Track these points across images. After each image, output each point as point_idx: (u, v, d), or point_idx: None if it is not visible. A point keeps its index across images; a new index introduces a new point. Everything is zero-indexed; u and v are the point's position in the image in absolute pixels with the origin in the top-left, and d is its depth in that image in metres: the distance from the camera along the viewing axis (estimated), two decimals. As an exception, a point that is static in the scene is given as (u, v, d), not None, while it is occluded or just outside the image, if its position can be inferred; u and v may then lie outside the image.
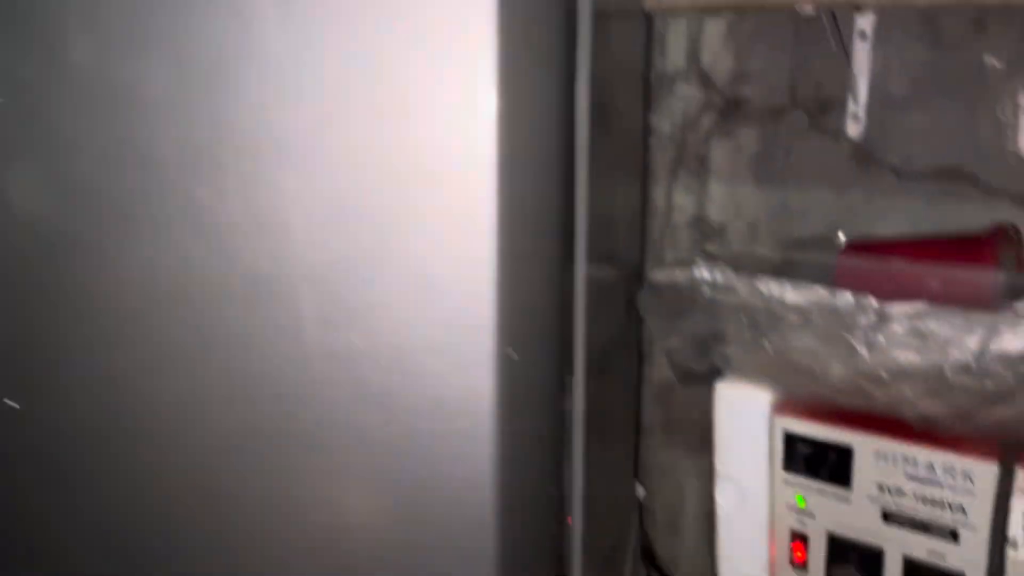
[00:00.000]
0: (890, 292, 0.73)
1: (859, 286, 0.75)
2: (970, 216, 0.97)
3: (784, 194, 1.09)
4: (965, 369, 0.68)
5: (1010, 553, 0.70)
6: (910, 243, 0.94)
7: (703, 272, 0.79)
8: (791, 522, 0.84)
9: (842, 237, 0.98)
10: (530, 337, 0.65)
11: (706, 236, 1.15)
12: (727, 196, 1.12)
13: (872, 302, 0.73)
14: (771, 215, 1.10)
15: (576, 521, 0.71)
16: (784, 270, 0.83)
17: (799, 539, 0.84)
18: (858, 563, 0.80)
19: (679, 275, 0.81)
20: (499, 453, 0.61)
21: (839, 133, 0.99)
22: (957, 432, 0.72)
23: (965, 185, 0.97)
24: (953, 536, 0.74)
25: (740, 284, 0.78)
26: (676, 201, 1.16)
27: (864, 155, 1.02)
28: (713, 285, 0.79)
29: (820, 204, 1.06)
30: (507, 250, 0.60)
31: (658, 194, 1.18)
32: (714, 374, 0.86)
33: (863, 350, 0.72)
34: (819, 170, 1.05)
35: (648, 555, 1.22)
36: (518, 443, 0.64)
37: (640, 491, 1.16)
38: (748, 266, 0.81)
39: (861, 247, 0.90)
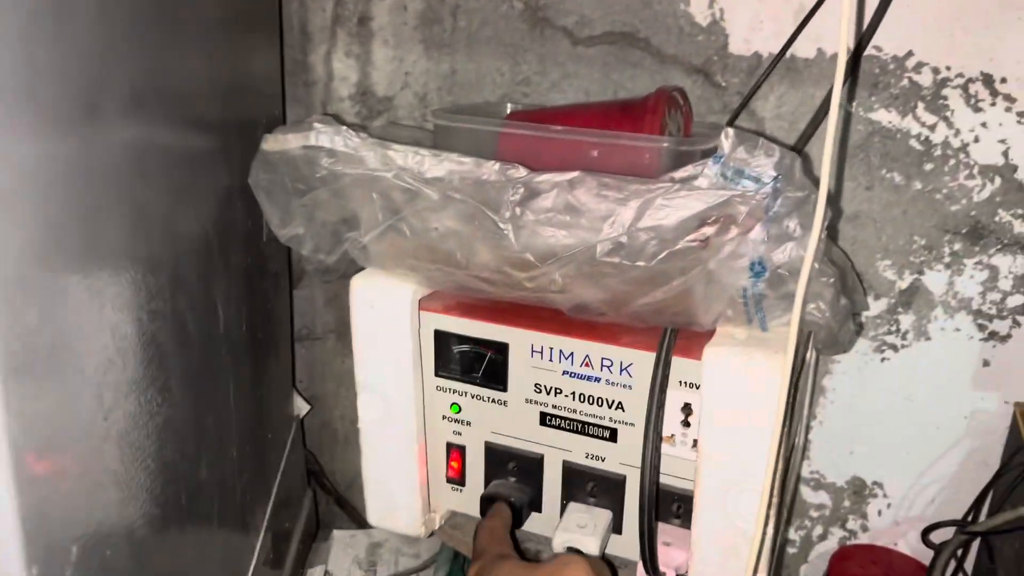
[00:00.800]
0: (551, 164, 0.61)
1: (520, 159, 0.62)
2: (644, 85, 0.89)
3: (454, 62, 0.95)
4: (618, 247, 0.58)
5: (666, 449, 0.63)
6: (574, 109, 0.84)
7: (320, 136, 0.62)
8: (445, 433, 0.73)
9: (509, 107, 0.86)
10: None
11: (373, 111, 0.99)
12: (394, 64, 0.97)
13: (519, 172, 0.61)
14: (442, 85, 0.96)
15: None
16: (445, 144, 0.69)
17: (455, 451, 0.73)
18: (517, 472, 0.70)
19: (292, 141, 0.63)
20: None
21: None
22: (612, 320, 0.63)
23: (639, 52, 0.89)
24: (612, 436, 0.66)
25: (368, 153, 0.63)
26: (336, 69, 0.99)
27: (537, 18, 0.91)
28: (333, 154, 0.63)
29: (493, 73, 0.94)
30: None
31: (316, 60, 1.00)
32: (351, 266, 0.70)
33: (509, 231, 0.60)
34: (491, 34, 0.93)
35: (315, 474, 1.09)
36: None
37: (300, 407, 1.01)
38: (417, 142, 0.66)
39: (524, 116, 0.78)
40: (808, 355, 0.70)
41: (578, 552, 0.62)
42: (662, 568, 0.63)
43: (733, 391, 0.58)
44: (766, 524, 0.58)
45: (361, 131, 0.65)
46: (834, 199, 0.87)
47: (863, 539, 1.01)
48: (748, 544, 0.61)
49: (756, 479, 0.59)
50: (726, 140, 0.59)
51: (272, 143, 0.65)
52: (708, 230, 0.56)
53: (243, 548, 0.74)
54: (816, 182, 0.57)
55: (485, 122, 0.71)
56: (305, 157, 0.64)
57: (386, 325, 0.69)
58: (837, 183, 0.87)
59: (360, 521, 1.13)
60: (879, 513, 0.99)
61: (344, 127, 0.64)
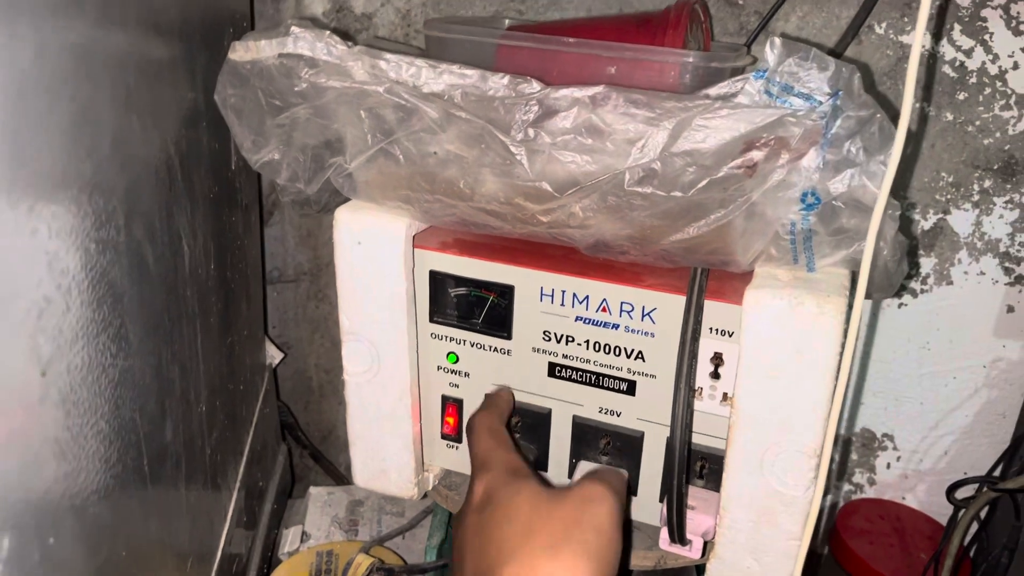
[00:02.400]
0: (560, 83, 0.53)
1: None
2: (653, 1, 0.81)
3: (440, -28, 0.86)
4: (650, 175, 0.50)
5: (695, 405, 0.56)
6: (582, 23, 0.75)
7: (299, 43, 0.53)
8: (441, 386, 0.65)
9: (507, 23, 0.77)
10: None
11: (350, 30, 0.90)
12: (372, -25, 0.87)
13: (532, 86, 0.52)
14: (426, 1, 0.87)
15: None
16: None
17: (451, 404, 0.65)
18: (521, 428, 0.63)
19: (266, 49, 0.54)
20: None
21: None
22: (634, 259, 0.56)
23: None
24: (630, 389, 0.59)
25: (355, 63, 0.54)
26: (308, -20, 0.89)
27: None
28: (314, 64, 0.54)
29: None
30: None
31: (285, -28, 0.90)
32: (335, 198, 0.62)
33: (522, 155, 0.52)
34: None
35: (289, 427, 1.01)
36: None
37: (272, 355, 0.93)
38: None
39: (526, 29, 0.69)
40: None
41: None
42: (687, 535, 0.57)
43: (778, 340, 0.51)
44: (823, 488, 0.52)
45: (348, 40, 0.56)
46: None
47: (870, 493, 0.96)
48: (785, 508, 0.55)
49: (799, 437, 0.52)
50: (771, 50, 0.51)
51: (242, 52, 0.56)
52: (756, 155, 0.49)
53: (214, 511, 0.67)
54: (876, 99, 0.50)
55: (485, 33, 0.63)
56: (281, 68, 0.55)
57: (375, 264, 0.61)
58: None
59: (338, 476, 1.06)
60: (887, 466, 0.94)
61: (327, 32, 0.55)
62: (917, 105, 0.79)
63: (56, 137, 0.35)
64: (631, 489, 0.61)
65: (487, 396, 0.61)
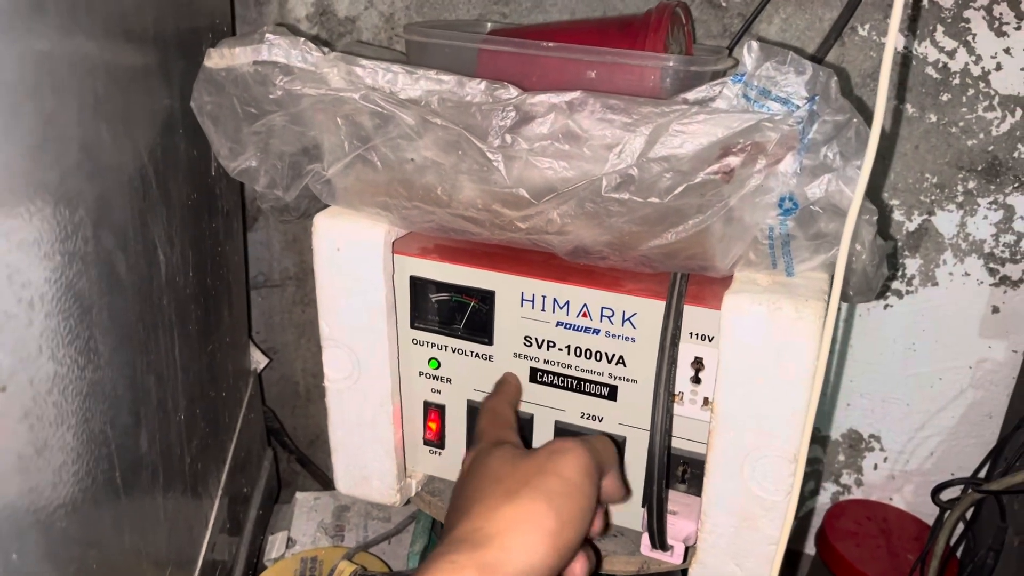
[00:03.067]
0: (540, 88, 0.53)
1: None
2: (636, 5, 0.81)
3: (424, -25, 0.86)
4: (627, 181, 0.50)
5: (674, 409, 0.56)
6: (563, 27, 0.75)
7: (274, 50, 0.53)
8: (423, 391, 0.65)
9: (489, 27, 0.77)
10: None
11: (333, 34, 0.89)
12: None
13: (509, 92, 0.52)
14: (410, 4, 0.87)
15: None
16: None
17: (434, 410, 0.65)
18: (503, 434, 0.63)
19: (241, 56, 0.54)
20: None
21: None
22: (615, 264, 0.55)
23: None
24: (611, 394, 0.59)
25: (331, 70, 0.53)
26: (291, -17, 0.88)
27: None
28: (289, 71, 0.53)
29: (467, -12, 0.85)
30: None
31: (268, -26, 0.89)
32: (314, 204, 0.62)
33: (499, 162, 0.52)
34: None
35: (275, 433, 1.01)
36: None
37: (257, 360, 0.92)
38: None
39: (507, 33, 0.69)
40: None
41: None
42: (669, 540, 0.56)
43: (757, 344, 0.51)
44: (799, 494, 0.52)
45: (324, 46, 0.55)
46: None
47: (857, 494, 0.96)
48: (766, 513, 0.54)
49: (779, 442, 0.52)
50: (749, 54, 0.51)
51: (217, 59, 0.55)
52: (732, 160, 0.49)
53: (195, 519, 0.66)
54: (853, 103, 0.50)
55: (464, 37, 0.62)
56: (256, 75, 0.55)
57: (354, 270, 0.60)
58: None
59: (324, 482, 1.05)
60: (874, 467, 0.94)
61: (302, 39, 0.55)
62: (901, 107, 0.79)
63: (18, 147, 0.34)
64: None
65: (498, 382, 0.61)
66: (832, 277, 0.54)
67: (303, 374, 1.06)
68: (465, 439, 0.65)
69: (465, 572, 0.41)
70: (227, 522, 0.76)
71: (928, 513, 0.87)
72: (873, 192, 0.82)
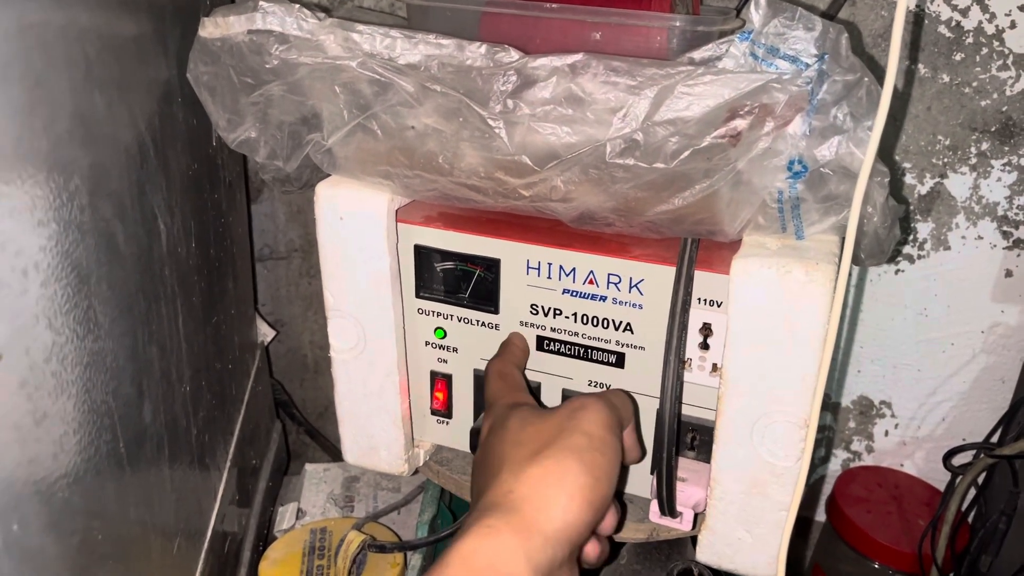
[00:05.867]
0: (544, 52, 0.51)
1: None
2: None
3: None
4: (632, 146, 0.49)
5: (684, 376, 0.55)
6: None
7: (268, 18, 0.52)
8: (429, 361, 0.64)
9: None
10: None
11: (333, 1, 0.88)
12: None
13: (510, 55, 0.51)
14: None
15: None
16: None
17: (440, 380, 0.65)
18: (510, 403, 0.62)
19: (235, 25, 0.53)
20: None
21: None
22: (621, 230, 0.55)
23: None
24: (619, 361, 0.58)
25: (327, 37, 0.52)
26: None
27: None
28: (285, 40, 0.52)
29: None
30: None
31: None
32: (316, 174, 0.61)
33: (500, 128, 0.51)
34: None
35: (283, 405, 1.01)
36: None
37: (264, 333, 0.92)
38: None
39: (510, -5, 0.67)
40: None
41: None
42: (678, 507, 0.56)
43: (767, 309, 0.50)
44: (810, 459, 0.51)
45: (320, 12, 0.54)
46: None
47: (867, 461, 0.96)
48: (775, 479, 0.54)
49: (789, 406, 0.51)
50: (756, 11, 0.49)
51: (211, 28, 0.54)
52: (739, 123, 0.48)
53: (203, 490, 0.66)
54: (864, 62, 0.48)
55: (467, 0, 0.61)
56: (251, 45, 0.54)
57: (358, 240, 0.60)
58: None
59: (334, 453, 1.06)
60: (885, 434, 0.94)
61: (297, 5, 0.53)
62: (912, 67, 0.77)
63: (6, 111, 0.33)
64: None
65: (503, 343, 0.60)
66: (842, 240, 0.53)
67: (311, 346, 1.06)
68: (472, 409, 0.65)
69: (502, 535, 0.41)
70: (236, 494, 0.76)
71: (939, 479, 0.86)
72: (884, 154, 0.80)
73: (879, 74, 0.47)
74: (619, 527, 0.51)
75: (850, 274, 0.54)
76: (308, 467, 0.94)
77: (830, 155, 0.48)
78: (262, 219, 0.97)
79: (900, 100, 0.79)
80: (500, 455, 0.47)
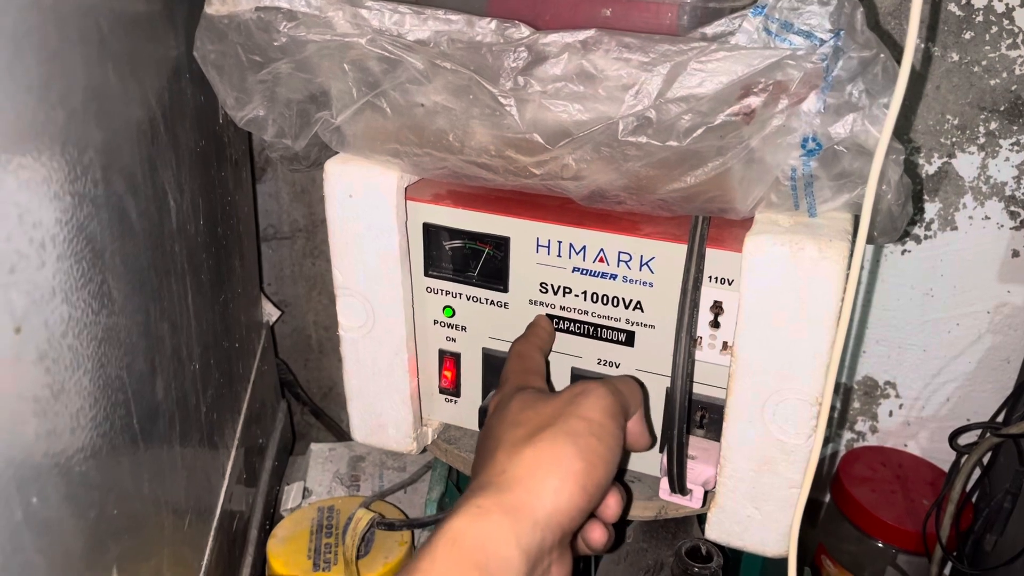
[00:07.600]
0: (554, 28, 0.51)
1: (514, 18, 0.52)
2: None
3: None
4: (644, 124, 0.48)
5: (695, 355, 0.55)
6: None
7: (277, -8, 0.51)
8: (437, 340, 0.64)
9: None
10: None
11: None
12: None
13: (521, 31, 0.50)
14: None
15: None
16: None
17: (449, 359, 0.65)
18: (519, 382, 0.62)
19: (243, 2, 0.52)
20: None
21: None
22: (632, 208, 0.54)
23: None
24: (628, 340, 0.58)
25: (335, 14, 0.52)
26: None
27: None
28: (293, 17, 0.52)
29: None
30: None
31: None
32: (324, 152, 0.61)
33: (511, 105, 0.50)
34: None
35: (289, 384, 1.01)
36: None
37: (269, 313, 0.92)
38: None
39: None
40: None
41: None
42: (688, 485, 0.56)
43: (779, 286, 0.50)
44: (823, 437, 0.51)
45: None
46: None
47: (872, 441, 0.96)
48: (786, 456, 0.54)
49: (801, 384, 0.51)
50: (771, -14, 0.49)
51: (218, 5, 0.54)
52: (753, 101, 0.47)
53: (213, 468, 0.66)
54: (881, 38, 0.48)
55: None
56: (259, 22, 0.53)
57: (367, 217, 0.59)
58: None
59: (339, 433, 1.06)
60: (890, 414, 0.94)
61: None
62: (922, 45, 0.77)
63: (20, 84, 0.33)
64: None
65: (530, 325, 0.60)
66: (855, 217, 0.53)
67: (315, 327, 1.06)
68: (481, 387, 0.65)
69: (491, 516, 0.41)
70: (243, 472, 0.76)
71: (943, 460, 0.87)
72: (896, 132, 0.80)
73: (892, 49, 0.47)
74: (624, 513, 0.51)
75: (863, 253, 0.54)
76: (314, 446, 0.94)
77: (845, 133, 0.47)
78: (266, 199, 0.97)
79: (914, 78, 0.79)
80: (498, 435, 0.47)
